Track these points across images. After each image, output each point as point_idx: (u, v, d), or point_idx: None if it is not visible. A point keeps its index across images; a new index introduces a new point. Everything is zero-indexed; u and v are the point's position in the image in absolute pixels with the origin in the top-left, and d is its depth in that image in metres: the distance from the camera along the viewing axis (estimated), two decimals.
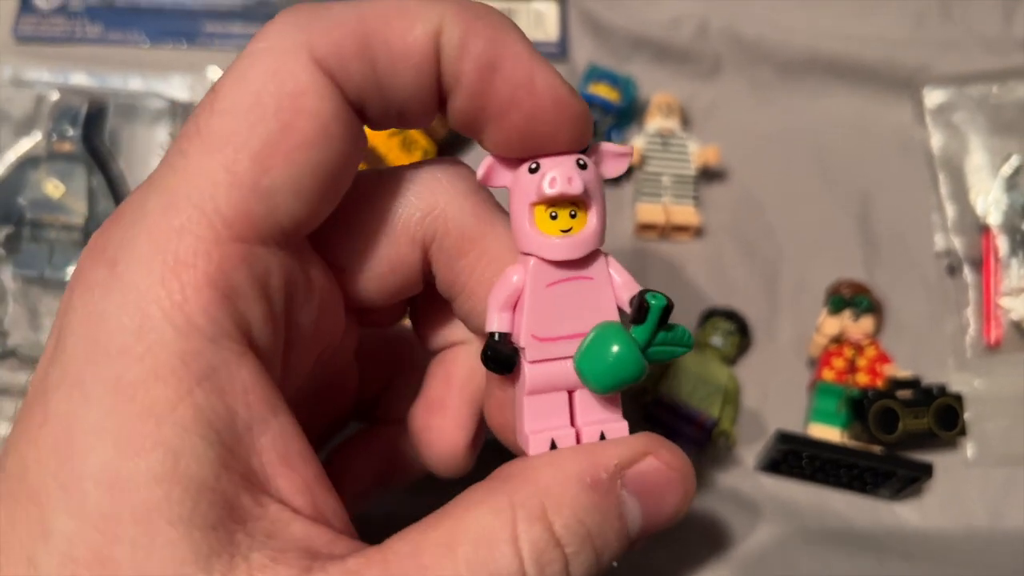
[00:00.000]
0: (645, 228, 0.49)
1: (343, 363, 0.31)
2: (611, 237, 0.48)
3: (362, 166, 0.49)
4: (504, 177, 0.24)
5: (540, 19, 0.54)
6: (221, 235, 0.21)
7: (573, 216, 0.24)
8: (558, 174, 0.23)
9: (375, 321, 0.31)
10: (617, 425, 0.25)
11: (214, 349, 0.20)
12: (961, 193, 0.49)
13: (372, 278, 0.26)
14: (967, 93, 0.50)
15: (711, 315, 0.47)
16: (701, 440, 0.44)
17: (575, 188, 0.23)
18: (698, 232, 0.50)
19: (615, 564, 0.24)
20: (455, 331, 0.29)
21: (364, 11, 0.22)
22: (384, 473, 0.34)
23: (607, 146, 0.25)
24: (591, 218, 0.24)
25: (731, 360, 0.46)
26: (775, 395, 0.47)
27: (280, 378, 0.23)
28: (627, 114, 0.52)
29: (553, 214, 0.23)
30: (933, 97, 0.51)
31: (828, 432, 0.44)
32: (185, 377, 0.20)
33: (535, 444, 0.24)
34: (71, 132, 0.48)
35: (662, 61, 0.53)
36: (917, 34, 0.53)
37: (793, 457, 0.43)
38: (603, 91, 0.51)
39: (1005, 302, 0.47)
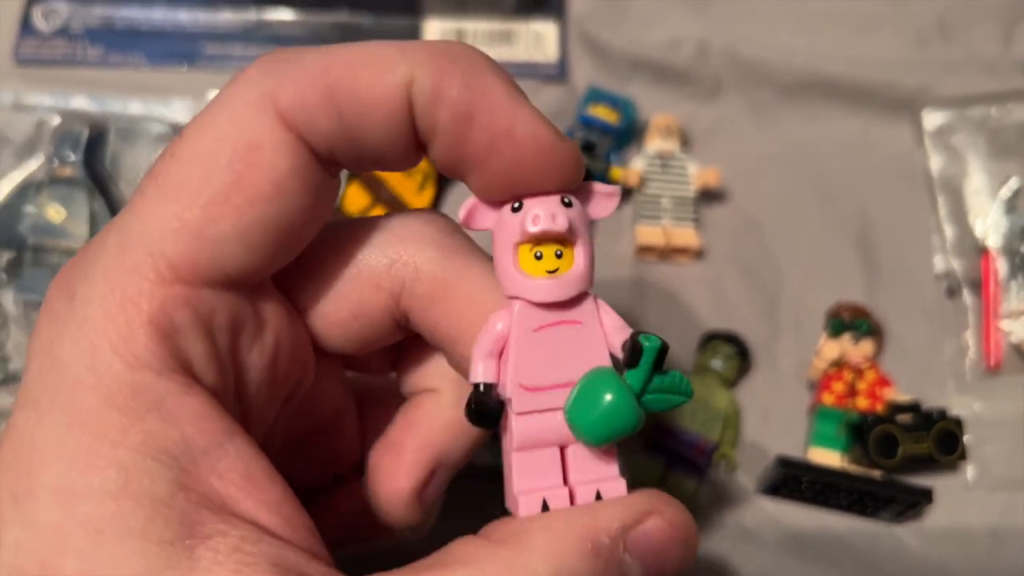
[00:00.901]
0: (645, 250, 0.49)
1: (331, 410, 0.30)
2: (610, 260, 0.49)
3: (359, 186, 0.49)
4: (487, 219, 0.24)
5: (539, 40, 0.54)
6: (166, 277, 0.21)
7: (559, 256, 0.23)
8: (541, 211, 0.22)
9: (363, 368, 0.31)
10: (614, 484, 0.23)
11: (160, 381, 0.21)
12: (960, 215, 0.49)
13: (335, 324, 0.26)
14: (966, 115, 0.50)
15: (711, 338, 0.47)
16: (702, 464, 0.44)
17: (559, 225, 0.22)
18: (698, 254, 0.50)
19: None
20: (428, 378, 0.29)
21: (331, 61, 0.22)
22: (356, 528, 0.32)
23: (595, 186, 0.24)
24: (578, 257, 0.23)
25: (731, 383, 0.46)
26: (775, 419, 0.47)
27: (241, 414, 0.24)
28: (626, 135, 0.52)
29: (538, 254, 0.23)
30: (932, 119, 0.51)
31: (828, 456, 0.44)
32: (136, 406, 0.20)
33: (525, 505, 0.23)
34: (72, 157, 0.48)
35: (662, 83, 0.53)
36: (917, 56, 0.53)
37: (793, 481, 0.43)
38: (602, 113, 0.51)
39: (1005, 324, 0.47)
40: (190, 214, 0.21)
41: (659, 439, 0.44)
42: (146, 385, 0.21)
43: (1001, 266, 0.47)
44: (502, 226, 0.23)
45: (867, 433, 0.43)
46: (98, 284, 0.21)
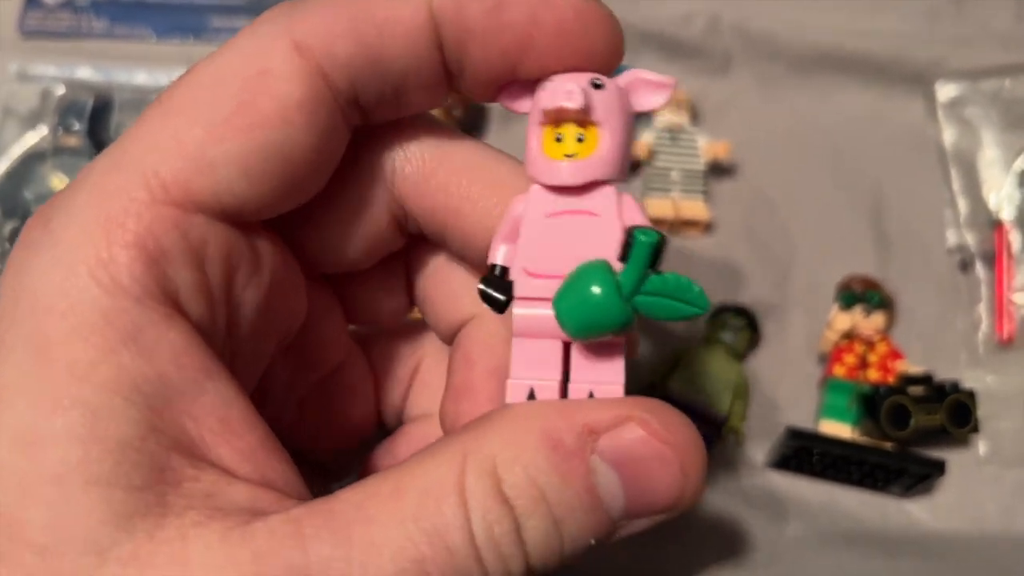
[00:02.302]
0: (654, 223, 0.49)
1: (333, 359, 0.30)
2: None
3: None
4: (524, 102, 0.23)
5: None
6: (157, 197, 0.20)
7: (580, 140, 0.21)
8: (558, 86, 0.21)
9: (376, 317, 0.30)
10: (611, 388, 0.22)
11: (140, 309, 0.20)
12: (974, 188, 0.49)
13: (333, 232, 0.26)
14: (980, 88, 0.50)
15: (721, 311, 0.46)
16: (711, 437, 0.44)
17: (575, 101, 0.21)
18: (707, 227, 0.49)
19: (592, 542, 0.21)
20: (463, 306, 0.27)
21: None
22: None
23: (642, 73, 0.22)
24: (602, 143, 0.21)
25: (741, 356, 0.46)
26: (786, 391, 0.46)
27: (228, 355, 0.23)
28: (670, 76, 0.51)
29: (558, 136, 0.21)
30: (945, 92, 0.50)
31: (839, 428, 0.44)
32: (109, 336, 0.19)
33: (512, 392, 0.22)
34: (77, 126, 0.48)
35: (672, 57, 0.53)
36: (930, 30, 0.52)
37: (804, 454, 0.43)
38: None
39: (1018, 298, 0.46)
40: (189, 135, 0.20)
41: None
42: (123, 312, 0.19)
43: (1015, 239, 0.47)
44: (533, 106, 0.22)
45: (879, 405, 0.42)
46: (80, 204, 0.20)
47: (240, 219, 0.22)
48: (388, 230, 0.26)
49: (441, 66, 0.22)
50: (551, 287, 0.21)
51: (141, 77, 0.50)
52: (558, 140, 0.21)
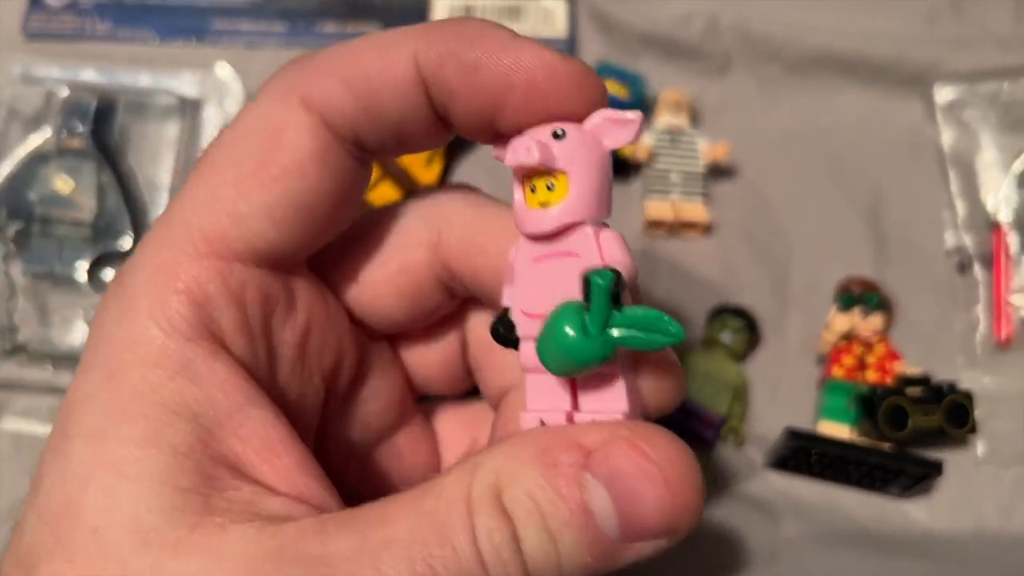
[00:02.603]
0: (654, 225, 0.49)
1: (394, 418, 0.32)
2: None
3: (377, 172, 0.49)
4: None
5: (549, 16, 0.54)
6: (201, 251, 0.23)
7: (550, 188, 0.23)
8: (518, 143, 0.22)
9: (438, 385, 0.32)
10: (613, 414, 0.23)
11: (191, 346, 0.23)
12: (972, 190, 0.49)
13: (380, 292, 0.28)
14: (978, 90, 0.50)
15: (720, 312, 0.47)
16: (710, 438, 0.44)
17: (531, 158, 0.22)
18: (707, 229, 0.49)
19: (590, 559, 0.21)
20: (508, 373, 0.30)
21: (344, 50, 0.24)
22: None
23: (609, 113, 0.23)
24: (571, 189, 0.22)
25: (740, 357, 0.46)
26: (784, 393, 0.46)
27: (272, 388, 0.25)
28: (636, 110, 0.51)
29: (532, 187, 0.23)
30: (944, 94, 0.50)
31: (837, 429, 0.44)
32: (167, 366, 0.22)
33: (525, 423, 0.24)
34: (81, 128, 0.48)
35: (671, 58, 0.53)
36: (928, 32, 0.52)
37: (802, 454, 0.43)
38: (612, 88, 0.51)
39: (1016, 299, 0.46)
40: (223, 192, 0.23)
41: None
42: (177, 347, 0.22)
43: (1013, 241, 0.47)
44: None
45: (877, 405, 0.42)
46: (141, 257, 0.24)
47: (276, 263, 0.25)
48: (433, 291, 0.29)
49: (434, 114, 0.24)
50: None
51: (144, 79, 0.50)
52: (532, 191, 0.23)
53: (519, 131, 0.24)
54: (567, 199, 0.22)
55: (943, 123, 0.50)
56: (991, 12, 0.53)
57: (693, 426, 0.44)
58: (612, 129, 0.23)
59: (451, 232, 0.27)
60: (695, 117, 0.52)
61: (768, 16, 0.53)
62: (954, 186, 0.49)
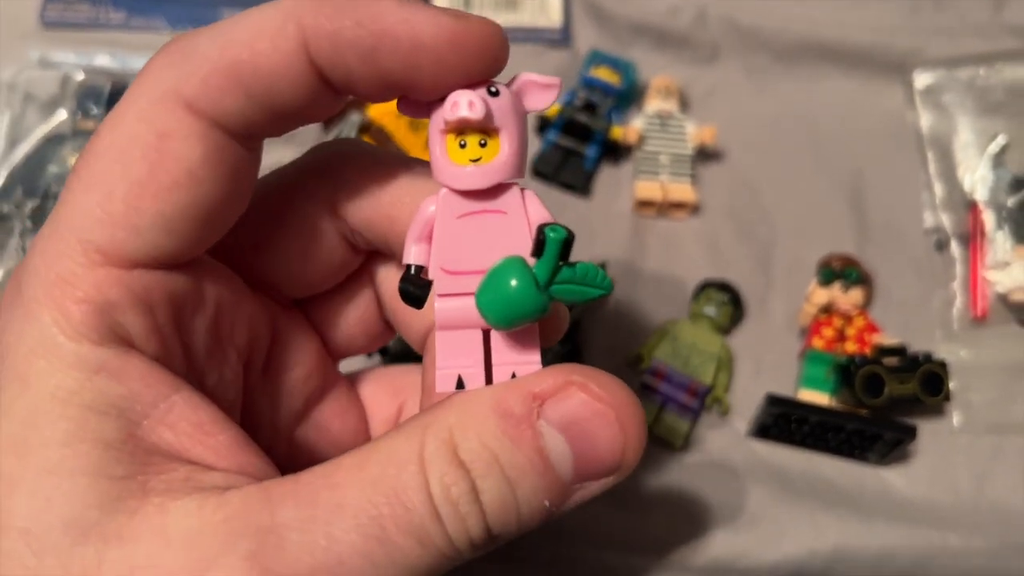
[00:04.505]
0: (643, 205, 0.51)
1: (318, 387, 0.31)
2: (610, 214, 0.51)
3: (368, 139, 0.50)
4: (419, 109, 0.24)
5: (544, 7, 0.56)
6: (95, 261, 0.22)
7: (483, 145, 0.23)
8: (461, 99, 0.22)
9: (356, 344, 0.32)
10: (531, 367, 0.24)
11: (101, 350, 0.22)
12: (950, 171, 0.51)
13: (284, 257, 0.28)
14: (956, 75, 0.52)
15: (705, 286, 0.48)
16: (695, 407, 0.46)
17: (476, 112, 0.22)
18: (695, 209, 0.51)
19: (547, 503, 0.22)
20: (426, 313, 0.29)
21: (226, 42, 0.22)
22: None
23: (531, 76, 0.24)
24: (503, 147, 0.23)
25: (725, 330, 0.48)
26: (768, 366, 0.48)
27: (191, 376, 0.25)
28: (627, 97, 0.53)
29: (462, 143, 0.23)
30: (923, 79, 0.52)
31: (817, 397, 0.46)
32: (82, 369, 0.21)
33: (441, 380, 0.24)
34: (95, 110, 0.50)
35: (662, 47, 0.55)
36: (910, 21, 0.54)
37: (783, 422, 0.44)
38: (604, 74, 0.53)
39: (991, 275, 0.48)
40: (112, 205, 0.22)
41: (653, 382, 0.46)
42: (88, 353, 0.22)
43: (988, 219, 0.49)
44: (433, 115, 0.23)
45: (854, 374, 0.44)
46: (37, 267, 0.22)
47: (177, 263, 0.24)
48: (340, 249, 0.28)
49: (329, 90, 0.23)
50: (469, 283, 0.23)
51: None
52: (462, 147, 0.23)
53: (425, 93, 0.23)
54: (501, 157, 0.23)
55: (922, 108, 0.52)
56: (969, 2, 0.55)
57: (679, 396, 0.46)
58: (535, 91, 0.24)
59: (343, 184, 0.27)
60: (684, 102, 0.54)
61: (755, 7, 0.55)
62: (932, 168, 0.51)
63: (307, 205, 0.27)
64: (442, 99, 0.23)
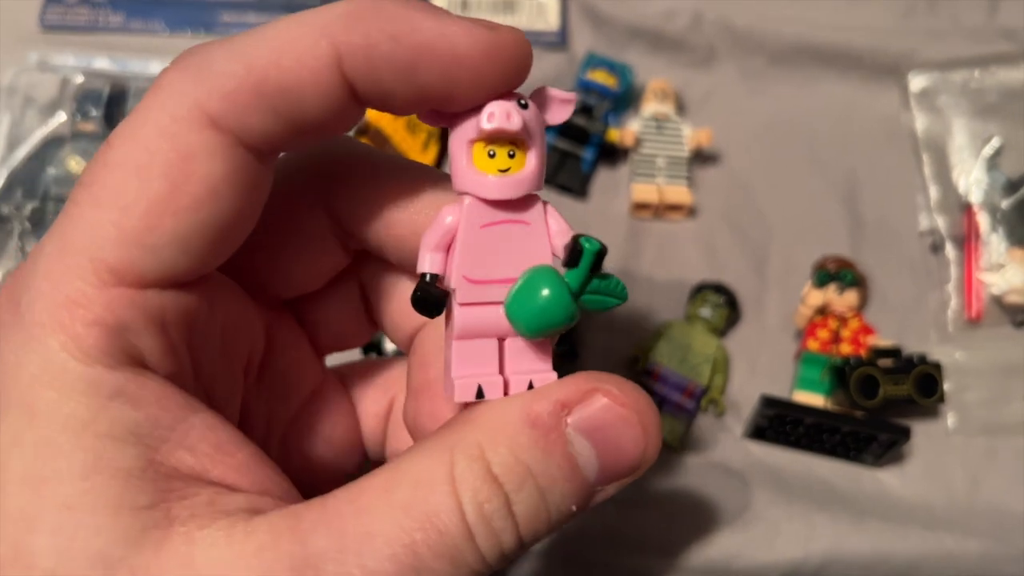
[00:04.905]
0: (640, 207, 0.51)
1: (308, 386, 0.31)
2: (607, 216, 0.51)
3: (365, 142, 0.51)
4: (441, 119, 0.24)
5: (541, 10, 0.56)
6: (107, 281, 0.21)
7: (512, 156, 0.23)
8: (497, 110, 0.22)
9: (343, 342, 0.32)
10: (546, 376, 0.24)
11: (115, 374, 0.21)
12: (944, 174, 0.51)
13: (279, 259, 0.27)
14: (950, 78, 0.52)
15: (701, 288, 0.49)
16: (691, 408, 0.46)
17: (514, 124, 0.22)
18: (691, 212, 0.52)
19: (574, 507, 0.23)
20: (414, 315, 0.29)
21: (253, 56, 0.21)
22: None
23: (551, 91, 0.24)
24: (530, 159, 0.23)
25: (720, 332, 0.48)
26: (763, 367, 0.48)
27: (202, 394, 0.24)
28: (624, 100, 0.54)
29: (491, 152, 0.23)
30: (918, 82, 0.53)
31: (812, 399, 0.46)
32: (95, 396, 0.21)
33: (461, 389, 0.24)
34: (94, 113, 0.50)
35: (658, 50, 0.55)
36: (904, 24, 0.55)
37: (778, 423, 0.45)
38: (601, 77, 0.53)
39: (985, 277, 0.48)
40: (128, 223, 0.21)
41: (649, 383, 0.46)
42: (101, 377, 0.21)
43: (982, 221, 0.49)
44: (459, 124, 0.23)
45: (849, 375, 0.44)
46: (42, 288, 0.21)
47: (189, 281, 0.23)
48: (332, 248, 0.28)
49: (355, 103, 0.23)
50: (492, 292, 0.23)
51: (154, 67, 0.53)
52: (491, 156, 0.23)
53: (458, 104, 0.23)
54: (528, 168, 0.23)
55: (917, 110, 0.52)
56: (965, 6, 0.55)
57: (675, 397, 0.46)
58: (554, 106, 0.24)
59: (339, 185, 0.26)
60: (680, 105, 0.54)
61: (750, 10, 0.55)
62: (927, 170, 0.51)
63: (301, 203, 0.27)
64: (470, 110, 0.23)
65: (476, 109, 0.23)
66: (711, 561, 0.44)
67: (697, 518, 0.45)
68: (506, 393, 0.24)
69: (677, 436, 0.46)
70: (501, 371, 0.24)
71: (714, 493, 0.45)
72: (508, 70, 0.22)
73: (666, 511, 0.45)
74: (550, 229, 0.24)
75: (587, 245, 0.23)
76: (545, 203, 0.24)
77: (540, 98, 0.24)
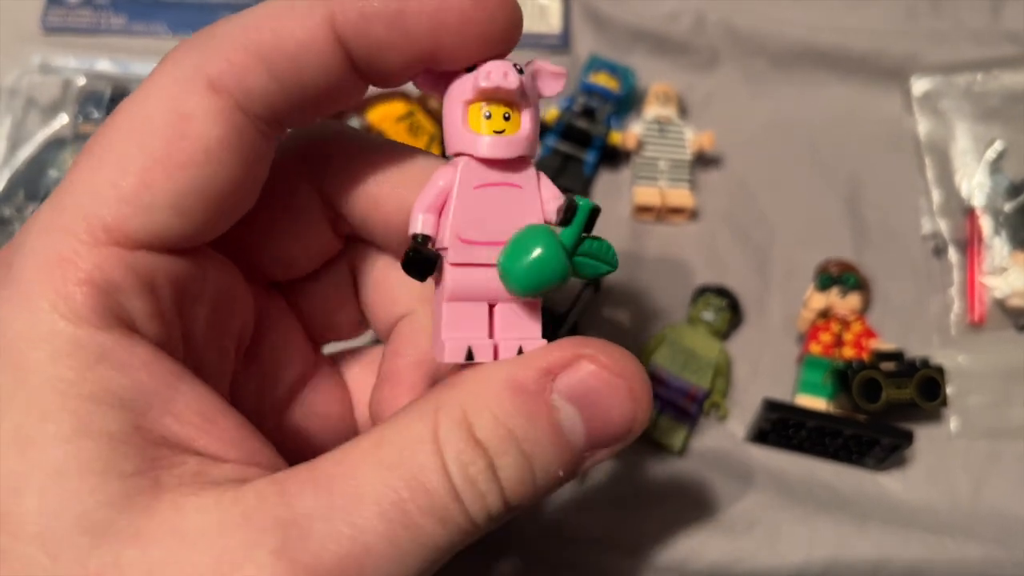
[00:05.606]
0: (642, 210, 0.51)
1: (299, 368, 0.31)
2: (609, 219, 0.51)
3: None
4: (436, 82, 0.24)
5: (544, 12, 0.56)
6: (100, 239, 0.21)
7: (507, 118, 0.23)
8: (494, 68, 0.23)
9: (335, 330, 0.32)
10: (536, 342, 0.24)
11: (103, 335, 0.21)
12: (947, 177, 0.51)
13: (271, 240, 0.28)
14: (953, 82, 0.52)
15: (703, 292, 0.48)
16: (693, 411, 0.46)
17: (511, 82, 0.23)
18: (693, 215, 0.52)
19: (561, 473, 0.23)
20: (398, 305, 0.30)
21: (250, 22, 0.22)
22: None
23: (543, 64, 0.24)
24: (525, 121, 0.24)
25: (722, 335, 0.48)
26: (765, 370, 0.48)
27: (192, 365, 0.24)
28: (626, 103, 0.54)
29: (487, 113, 0.23)
30: (920, 85, 0.53)
31: (815, 403, 0.46)
32: (83, 357, 0.21)
33: (451, 350, 0.24)
34: (96, 114, 0.50)
35: (661, 53, 0.55)
36: (907, 27, 0.55)
37: (781, 426, 0.45)
38: (603, 80, 0.53)
39: (988, 281, 0.48)
40: (124, 181, 0.21)
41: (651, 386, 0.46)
42: (90, 337, 0.21)
43: (985, 225, 0.49)
44: (454, 86, 0.24)
45: (851, 379, 0.44)
46: (34, 246, 0.21)
47: (181, 248, 0.24)
48: (323, 230, 0.28)
49: (354, 73, 0.23)
50: (484, 253, 0.24)
51: None
52: (487, 117, 0.23)
53: (448, 60, 0.24)
54: (523, 131, 0.24)
55: (919, 113, 0.52)
56: (968, 8, 0.55)
57: (676, 399, 0.46)
58: (546, 79, 0.24)
59: (330, 167, 0.27)
60: (683, 108, 0.54)
61: (753, 13, 0.55)
62: (930, 173, 0.51)
63: (294, 184, 0.27)
64: (465, 70, 0.23)
65: (471, 71, 0.23)
66: (714, 565, 0.44)
67: (700, 522, 0.45)
68: (496, 358, 0.24)
69: (679, 440, 0.45)
70: (491, 336, 0.24)
71: (717, 497, 0.45)
72: (496, 15, 0.23)
73: (668, 515, 0.45)
74: (543, 195, 0.24)
75: (581, 202, 0.23)
76: (539, 171, 0.24)
77: (533, 70, 0.24)
